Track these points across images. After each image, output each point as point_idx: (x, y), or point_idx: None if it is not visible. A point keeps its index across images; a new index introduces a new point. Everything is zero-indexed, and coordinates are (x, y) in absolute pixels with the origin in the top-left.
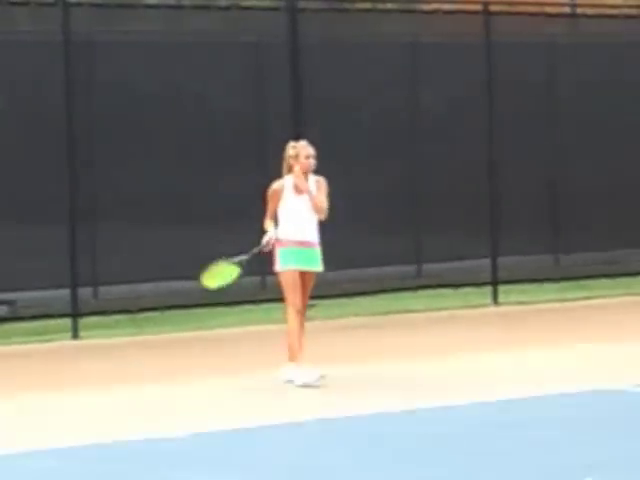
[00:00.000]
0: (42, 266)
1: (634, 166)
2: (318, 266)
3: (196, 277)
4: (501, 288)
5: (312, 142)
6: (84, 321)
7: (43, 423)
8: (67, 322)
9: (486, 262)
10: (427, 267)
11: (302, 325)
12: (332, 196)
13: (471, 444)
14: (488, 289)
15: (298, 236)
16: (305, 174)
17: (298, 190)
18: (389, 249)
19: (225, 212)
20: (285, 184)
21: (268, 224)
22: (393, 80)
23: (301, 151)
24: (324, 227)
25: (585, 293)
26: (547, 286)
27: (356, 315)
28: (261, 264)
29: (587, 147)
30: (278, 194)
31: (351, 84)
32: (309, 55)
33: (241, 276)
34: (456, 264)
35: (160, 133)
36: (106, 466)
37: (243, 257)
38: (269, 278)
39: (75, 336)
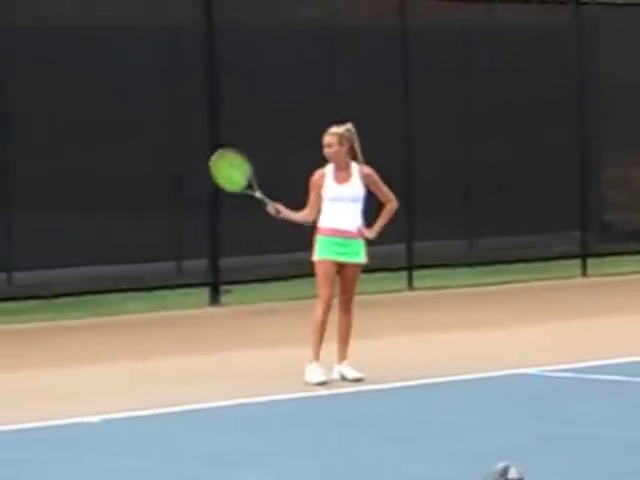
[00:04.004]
0: None
1: (548, 151)
2: (358, 258)
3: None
4: (416, 273)
5: (227, 127)
6: None
7: None
8: None
9: (401, 247)
10: None
11: (348, 323)
12: None
13: (383, 428)
14: (403, 274)
15: (337, 225)
16: (334, 163)
17: (340, 179)
18: (304, 234)
19: (139, 198)
20: (326, 172)
21: (304, 213)
22: (309, 65)
23: (324, 139)
24: (238, 210)
25: (500, 278)
26: (462, 271)
27: (268, 300)
28: (178, 248)
29: (502, 132)
30: (318, 184)
31: (267, 69)
32: (224, 40)
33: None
34: (370, 249)
35: (75, 118)
36: (14, 452)
37: (256, 192)
38: (185, 263)
39: None
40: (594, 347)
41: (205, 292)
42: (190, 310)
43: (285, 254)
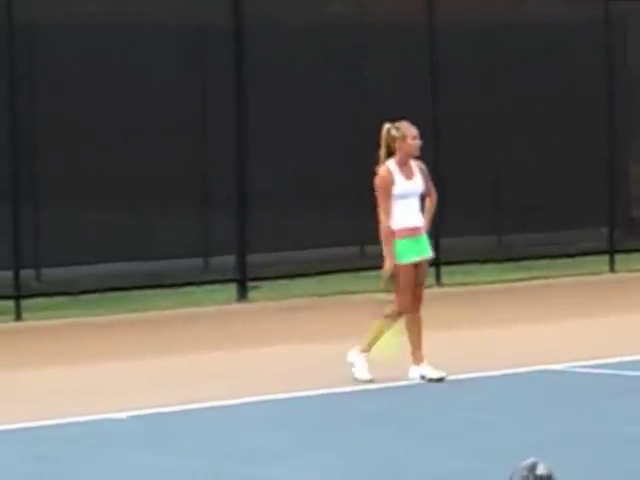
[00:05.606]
0: None
1: (576, 147)
2: (430, 252)
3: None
4: (444, 269)
5: (255, 123)
6: (27, 303)
7: None
8: (10, 304)
9: None
10: (370, 248)
11: (420, 321)
12: (277, 176)
13: (409, 425)
14: (431, 270)
15: (412, 223)
16: (408, 157)
17: (406, 175)
18: (332, 230)
19: (167, 195)
20: (391, 169)
21: (388, 220)
22: (337, 61)
23: (407, 132)
24: (265, 207)
25: (527, 274)
26: (490, 267)
27: (296, 297)
28: (205, 244)
29: (529, 127)
30: (390, 180)
31: (294, 65)
32: (252, 36)
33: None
34: None
35: (102, 116)
36: (43, 448)
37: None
38: (212, 259)
39: (18, 318)
40: (622, 343)
41: (232, 288)
42: (217, 306)
43: (312, 250)
